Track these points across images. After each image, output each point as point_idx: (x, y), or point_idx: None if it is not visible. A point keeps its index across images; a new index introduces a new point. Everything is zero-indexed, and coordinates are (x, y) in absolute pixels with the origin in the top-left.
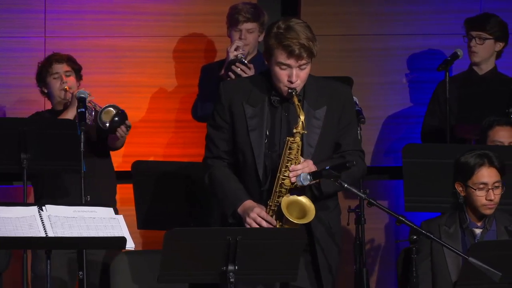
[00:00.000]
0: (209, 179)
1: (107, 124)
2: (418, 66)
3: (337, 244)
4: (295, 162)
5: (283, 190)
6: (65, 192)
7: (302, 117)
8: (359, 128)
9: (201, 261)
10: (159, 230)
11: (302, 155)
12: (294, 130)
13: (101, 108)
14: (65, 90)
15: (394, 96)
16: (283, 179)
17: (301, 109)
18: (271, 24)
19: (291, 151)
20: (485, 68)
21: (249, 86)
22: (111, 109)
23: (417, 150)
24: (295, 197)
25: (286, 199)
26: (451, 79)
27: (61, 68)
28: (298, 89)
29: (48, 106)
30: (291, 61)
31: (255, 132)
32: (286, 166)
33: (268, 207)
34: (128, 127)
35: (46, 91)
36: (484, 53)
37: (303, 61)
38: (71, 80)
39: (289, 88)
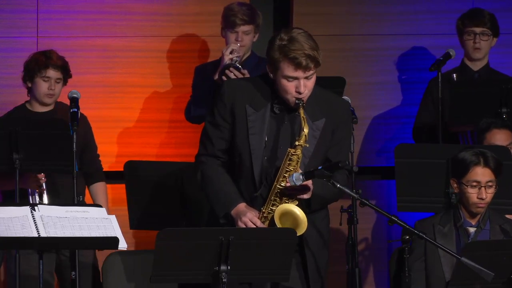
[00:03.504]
0: (201, 177)
1: None
2: (410, 66)
3: (326, 247)
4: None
5: (277, 199)
6: (60, 192)
7: (306, 130)
8: (351, 129)
9: (194, 261)
10: (151, 230)
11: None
12: (296, 143)
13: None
14: (49, 96)
15: (386, 96)
16: (279, 189)
17: (306, 122)
18: (273, 36)
19: (290, 162)
20: (480, 64)
21: (253, 89)
22: None
23: (409, 150)
24: (289, 206)
25: (279, 209)
26: (444, 76)
27: (55, 75)
28: (305, 99)
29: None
30: (299, 73)
31: (255, 137)
32: (284, 177)
33: (262, 213)
34: None
35: (29, 85)
36: (487, 49)
37: (311, 72)
38: (59, 88)
39: (297, 98)
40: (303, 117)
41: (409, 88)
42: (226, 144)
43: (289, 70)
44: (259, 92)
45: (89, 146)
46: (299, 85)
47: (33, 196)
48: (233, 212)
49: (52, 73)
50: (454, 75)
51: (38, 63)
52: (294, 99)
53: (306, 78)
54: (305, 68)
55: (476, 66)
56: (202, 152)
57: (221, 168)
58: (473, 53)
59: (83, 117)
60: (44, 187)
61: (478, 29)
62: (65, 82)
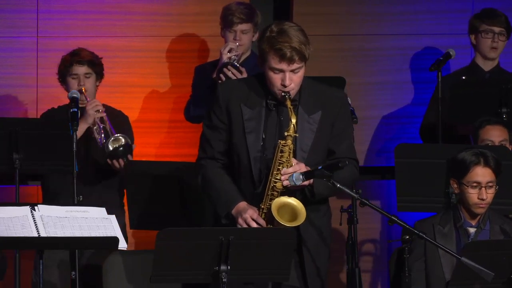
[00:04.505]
0: (202, 180)
1: (110, 149)
2: (410, 66)
3: (327, 247)
4: (287, 165)
5: (275, 193)
6: (59, 193)
7: (293, 120)
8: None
9: (194, 261)
10: (151, 230)
11: (295, 159)
12: (286, 133)
13: (113, 132)
14: (81, 92)
15: (386, 96)
16: (275, 182)
17: (292, 112)
18: (264, 28)
19: (282, 154)
20: (492, 64)
21: (247, 88)
22: (122, 141)
23: (409, 150)
24: (285, 199)
25: (276, 202)
26: (452, 76)
27: (82, 70)
28: (293, 93)
29: (41, 105)
30: (283, 65)
31: (252, 135)
32: (278, 169)
33: (261, 209)
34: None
35: (65, 86)
36: (502, 49)
37: (295, 65)
38: (90, 82)
39: (283, 91)
40: (290, 107)
41: (409, 88)
42: (225, 146)
43: (274, 62)
44: (253, 91)
45: None
46: (284, 77)
47: (100, 136)
48: (233, 211)
49: (79, 68)
50: (463, 78)
51: (65, 63)
52: (280, 92)
53: (292, 71)
54: (290, 61)
55: (487, 66)
56: (202, 156)
57: (221, 170)
58: (489, 52)
59: (123, 116)
60: (106, 117)
61: (497, 29)
62: (98, 77)
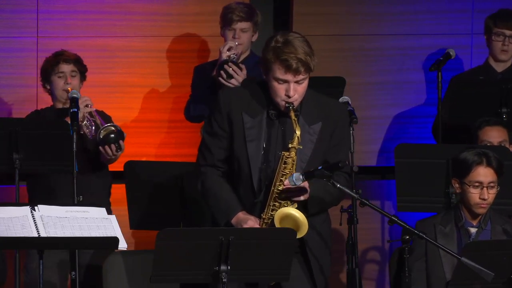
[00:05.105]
0: (202, 188)
1: (101, 137)
2: (410, 66)
3: (328, 249)
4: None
5: (276, 204)
6: (60, 192)
7: (298, 132)
8: (351, 129)
9: (194, 261)
10: (151, 230)
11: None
12: (290, 145)
13: (103, 124)
14: (67, 91)
15: (386, 96)
16: (277, 193)
17: (297, 124)
18: (269, 37)
19: (286, 165)
20: (504, 65)
21: (249, 96)
22: (113, 128)
23: (409, 150)
24: (288, 210)
25: (279, 213)
26: (466, 75)
27: (68, 68)
28: (296, 103)
29: (41, 105)
30: (289, 76)
31: (253, 144)
32: (281, 181)
33: (262, 220)
34: (119, 148)
35: (48, 87)
36: None
37: (301, 76)
38: (76, 81)
39: (287, 102)
40: (294, 119)
41: (409, 88)
42: (225, 153)
43: (279, 72)
44: (255, 99)
45: None
46: (289, 88)
47: (90, 129)
48: (233, 220)
49: (65, 67)
50: (481, 78)
51: (50, 62)
52: (283, 103)
53: (297, 82)
54: (295, 72)
55: (500, 67)
56: (202, 163)
57: (220, 178)
58: (500, 54)
59: (106, 116)
60: (95, 112)
61: (508, 32)
62: (82, 77)
